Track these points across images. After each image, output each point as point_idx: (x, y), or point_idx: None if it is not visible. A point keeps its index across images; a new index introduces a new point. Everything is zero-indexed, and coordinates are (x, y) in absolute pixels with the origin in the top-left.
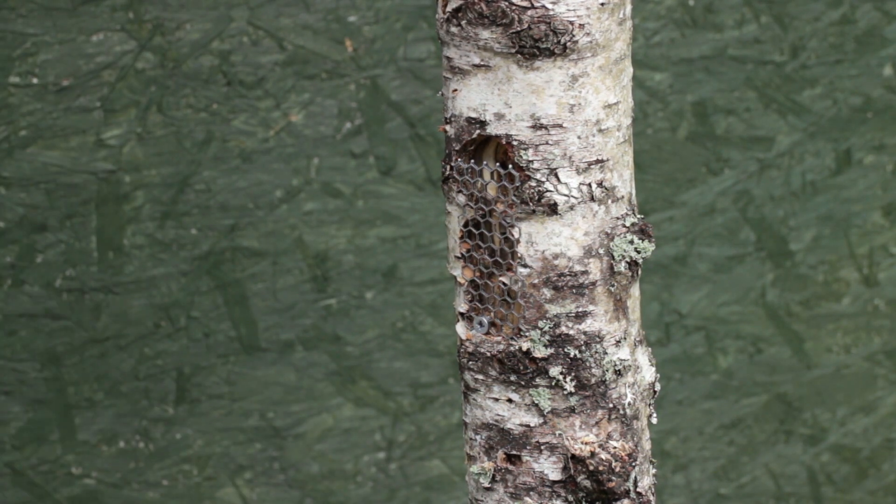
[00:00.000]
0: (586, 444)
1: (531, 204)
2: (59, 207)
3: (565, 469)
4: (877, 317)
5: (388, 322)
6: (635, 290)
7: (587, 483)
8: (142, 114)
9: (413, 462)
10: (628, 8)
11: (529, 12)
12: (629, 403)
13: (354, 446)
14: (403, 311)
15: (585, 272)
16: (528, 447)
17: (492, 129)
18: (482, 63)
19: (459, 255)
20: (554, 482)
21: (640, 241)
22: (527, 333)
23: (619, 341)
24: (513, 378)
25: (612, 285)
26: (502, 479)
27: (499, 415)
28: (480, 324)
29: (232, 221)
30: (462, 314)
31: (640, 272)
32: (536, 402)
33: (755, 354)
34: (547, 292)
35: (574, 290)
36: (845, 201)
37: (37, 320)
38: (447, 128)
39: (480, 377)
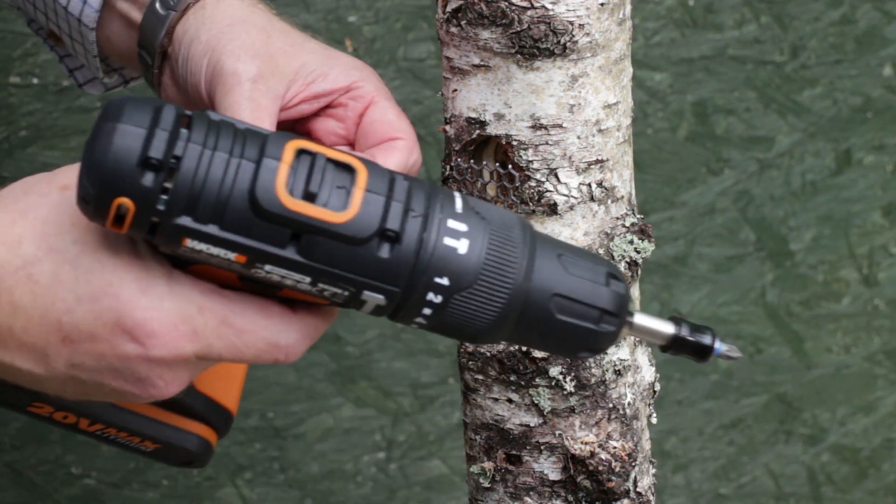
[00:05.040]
0: (586, 444)
1: (531, 204)
2: None
3: (565, 469)
4: (877, 317)
5: (388, 322)
6: (635, 290)
7: (587, 483)
8: None
9: (413, 462)
10: (628, 8)
11: (529, 12)
12: (629, 403)
13: (354, 446)
14: None
15: None
16: (528, 447)
17: (492, 130)
18: (482, 63)
19: None
20: (554, 482)
21: (640, 241)
22: None
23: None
24: (513, 378)
25: None
26: (502, 479)
27: (498, 415)
28: None
29: None
30: None
31: (640, 272)
32: (536, 402)
33: (755, 354)
34: None
35: None
36: (845, 201)
37: None
38: (447, 128)
39: (480, 377)
